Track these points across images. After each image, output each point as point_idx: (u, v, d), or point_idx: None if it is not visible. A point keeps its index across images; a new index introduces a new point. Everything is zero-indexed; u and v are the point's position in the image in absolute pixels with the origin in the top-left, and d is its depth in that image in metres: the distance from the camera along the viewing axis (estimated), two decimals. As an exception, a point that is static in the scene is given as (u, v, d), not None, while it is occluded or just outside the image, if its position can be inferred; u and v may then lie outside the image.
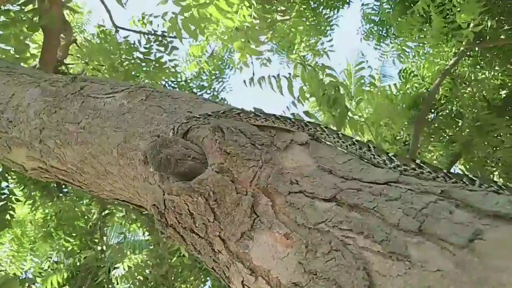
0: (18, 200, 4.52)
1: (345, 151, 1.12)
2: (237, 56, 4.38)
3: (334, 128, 1.16)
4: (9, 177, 4.58)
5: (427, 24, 4.81)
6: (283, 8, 4.14)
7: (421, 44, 5.60)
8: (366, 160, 1.07)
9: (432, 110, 5.68)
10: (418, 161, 1.02)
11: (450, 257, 0.75)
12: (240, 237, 1.00)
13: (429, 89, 5.59)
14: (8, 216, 4.21)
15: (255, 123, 1.13)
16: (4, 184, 4.51)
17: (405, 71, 5.58)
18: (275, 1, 4.12)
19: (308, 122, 1.17)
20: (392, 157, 1.04)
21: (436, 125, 5.57)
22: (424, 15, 4.76)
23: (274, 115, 1.14)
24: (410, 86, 5.70)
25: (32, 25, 3.73)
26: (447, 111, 5.22)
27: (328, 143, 1.15)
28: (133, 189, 1.33)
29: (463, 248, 0.74)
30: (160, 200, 1.14)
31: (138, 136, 1.28)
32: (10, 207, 4.25)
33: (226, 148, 1.05)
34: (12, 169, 4.63)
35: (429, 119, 5.76)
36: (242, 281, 1.02)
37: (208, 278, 5.72)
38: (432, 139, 5.61)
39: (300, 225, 0.93)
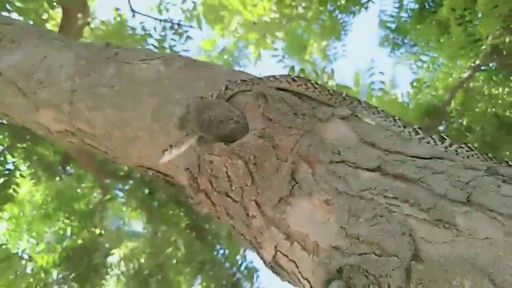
0: (22, 176, 4.52)
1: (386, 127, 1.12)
2: (252, 50, 4.40)
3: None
4: (16, 153, 4.57)
5: (445, 36, 4.84)
6: (303, 5, 4.17)
7: (436, 55, 5.62)
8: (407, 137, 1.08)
9: (442, 122, 5.70)
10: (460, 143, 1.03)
11: (499, 227, 0.75)
12: (278, 202, 1.01)
13: (441, 101, 5.61)
14: (12, 191, 4.20)
15: (298, 89, 1.13)
16: (10, 160, 4.51)
17: (418, 80, 5.61)
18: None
19: (348, 96, 1.17)
20: (434, 136, 1.05)
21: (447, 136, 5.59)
22: (443, 26, 4.79)
23: (320, 85, 1.14)
24: (422, 96, 5.72)
25: (50, 1, 3.74)
26: (457, 124, 5.23)
27: (369, 119, 1.15)
28: (164, 154, 1.33)
29: (513, 219, 0.75)
30: (194, 163, 1.14)
31: (175, 101, 1.28)
32: (14, 182, 4.25)
33: (269, 114, 1.05)
34: (20, 146, 4.62)
35: (439, 131, 5.79)
36: (276, 246, 1.02)
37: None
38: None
39: (342, 193, 0.94)
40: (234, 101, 1.16)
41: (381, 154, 0.97)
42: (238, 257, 5.63)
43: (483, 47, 4.33)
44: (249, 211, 1.06)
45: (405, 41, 6.17)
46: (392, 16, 6.03)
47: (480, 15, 4.38)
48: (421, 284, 0.76)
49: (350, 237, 0.87)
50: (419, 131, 1.08)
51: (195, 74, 1.33)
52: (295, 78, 1.15)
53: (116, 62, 1.49)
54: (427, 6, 5.60)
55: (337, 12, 6.31)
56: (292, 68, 4.50)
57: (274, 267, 1.07)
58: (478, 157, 1.00)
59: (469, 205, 0.80)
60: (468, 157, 1.00)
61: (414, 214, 0.83)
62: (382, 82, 5.49)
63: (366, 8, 6.24)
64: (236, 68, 7.01)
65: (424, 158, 0.94)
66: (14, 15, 3.25)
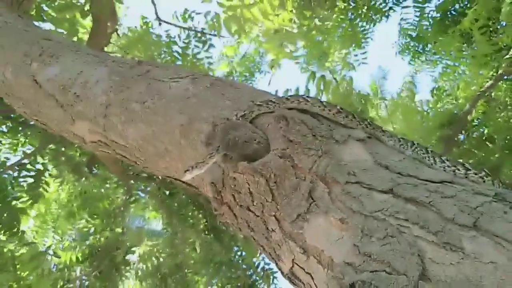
0: (51, 176, 4.73)
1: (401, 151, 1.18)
2: (272, 58, 4.47)
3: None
4: (45, 154, 4.79)
5: (466, 45, 4.81)
6: (321, 16, 4.22)
7: (457, 64, 5.57)
8: (419, 161, 1.14)
9: (463, 132, 5.65)
10: (466, 164, 1.08)
11: (504, 252, 0.81)
12: (296, 218, 1.08)
13: (462, 110, 5.55)
14: (41, 190, 4.41)
15: (321, 113, 1.21)
16: (40, 160, 4.73)
17: (438, 89, 5.57)
18: (316, 7, 4.20)
19: (368, 120, 1.24)
20: (445, 159, 1.10)
21: (466, 146, 5.54)
22: (466, 36, 4.76)
23: (336, 106, 1.21)
24: (442, 105, 5.68)
25: (83, 11, 3.92)
26: (479, 133, 5.18)
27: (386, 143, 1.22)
28: (190, 168, 1.43)
29: (516, 245, 0.81)
30: (219, 179, 1.23)
31: (202, 119, 1.37)
32: (44, 181, 4.46)
33: (289, 136, 1.13)
34: (48, 148, 4.83)
35: (459, 140, 5.73)
36: (293, 259, 1.10)
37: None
38: (461, 160, 5.56)
39: (356, 212, 1.01)
40: (257, 122, 1.25)
41: (394, 177, 1.03)
42: (254, 259, 5.70)
43: (507, 56, 4.30)
44: (269, 225, 1.14)
45: (426, 49, 6.14)
46: (412, 24, 6.01)
47: (504, 23, 4.35)
48: (428, 302, 0.82)
49: (363, 255, 0.94)
50: (436, 157, 1.13)
51: (221, 93, 1.42)
52: (312, 101, 1.23)
53: (147, 79, 1.60)
54: (449, 15, 5.56)
55: (358, 20, 6.33)
56: (313, 73, 4.54)
57: (291, 278, 1.15)
58: (488, 182, 1.05)
59: (476, 230, 0.86)
60: (477, 181, 1.05)
61: (423, 236, 0.90)
62: (411, 89, 5.47)
63: (387, 16, 6.25)
64: (257, 74, 7.11)
65: (435, 182, 1.00)
66: (48, 25, 3.42)
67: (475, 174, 1.06)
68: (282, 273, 1.18)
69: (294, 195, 1.10)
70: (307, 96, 1.26)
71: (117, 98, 1.60)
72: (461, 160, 1.11)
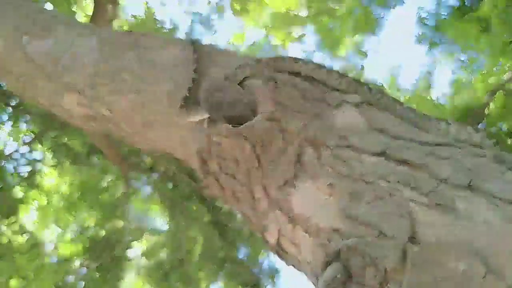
0: (50, 166, 4.71)
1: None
2: (278, 43, 4.38)
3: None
4: (44, 142, 4.77)
5: (485, 34, 4.66)
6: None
7: (475, 55, 5.43)
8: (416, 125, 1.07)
9: (480, 125, 5.51)
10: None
11: (498, 211, 0.75)
12: (283, 184, 1.02)
13: (480, 102, 5.41)
14: (39, 178, 4.39)
15: (316, 76, 1.14)
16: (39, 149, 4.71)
17: (456, 81, 5.42)
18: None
19: (368, 85, 1.16)
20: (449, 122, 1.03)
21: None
22: (484, 24, 4.63)
23: (334, 70, 1.15)
24: (459, 98, 5.53)
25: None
26: (497, 128, 5.03)
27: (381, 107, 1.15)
28: (178, 138, 1.37)
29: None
30: (204, 146, 1.18)
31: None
32: (41, 170, 4.44)
33: (278, 98, 1.07)
34: (49, 136, 4.81)
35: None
36: (279, 229, 1.04)
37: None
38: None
39: (345, 176, 0.95)
40: (245, 85, 1.19)
41: (388, 140, 0.97)
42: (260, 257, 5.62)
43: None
44: (255, 194, 1.08)
45: (444, 39, 5.98)
46: (430, 13, 5.85)
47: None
48: (416, 266, 0.76)
49: (349, 219, 0.87)
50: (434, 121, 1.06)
51: (211, 60, 1.37)
52: (304, 60, 1.17)
53: (137, 48, 1.55)
54: (467, 3, 5.40)
55: (372, 6, 6.15)
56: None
57: (278, 251, 1.09)
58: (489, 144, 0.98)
59: (470, 189, 0.80)
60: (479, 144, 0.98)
61: (414, 197, 0.83)
62: (427, 80, 5.35)
63: (402, 1, 6.05)
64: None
65: (431, 145, 0.93)
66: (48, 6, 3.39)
67: (476, 135, 0.99)
68: (269, 245, 1.12)
69: (281, 160, 1.04)
70: (303, 58, 1.19)
71: (105, 68, 1.55)
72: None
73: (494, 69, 4.81)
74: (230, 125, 1.08)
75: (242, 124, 1.08)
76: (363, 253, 0.82)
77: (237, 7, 3.59)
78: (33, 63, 1.78)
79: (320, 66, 1.16)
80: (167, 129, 1.40)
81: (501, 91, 4.75)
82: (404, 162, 0.90)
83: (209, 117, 1.12)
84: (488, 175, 0.81)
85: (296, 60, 1.17)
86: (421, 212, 0.81)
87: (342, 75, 1.16)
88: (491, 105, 4.86)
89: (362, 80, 1.22)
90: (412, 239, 0.79)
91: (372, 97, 1.12)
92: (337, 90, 1.15)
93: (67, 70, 1.66)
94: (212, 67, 1.34)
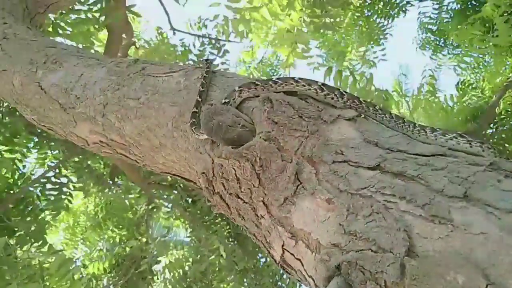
0: (75, 188, 4.85)
1: (394, 128, 1.12)
2: (285, 59, 4.44)
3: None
4: (69, 166, 4.93)
5: (489, 34, 4.63)
6: (331, 13, 4.15)
7: (481, 56, 5.36)
8: (410, 136, 1.07)
9: (491, 125, 5.40)
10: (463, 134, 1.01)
11: (495, 221, 0.74)
12: (283, 202, 1.04)
13: (489, 102, 5.32)
14: (66, 202, 4.53)
15: (311, 94, 1.16)
16: (64, 172, 4.86)
17: (463, 82, 5.37)
18: (326, 4, 4.14)
19: (360, 99, 1.18)
20: (439, 132, 1.04)
21: (495, 141, 5.29)
22: (487, 24, 4.58)
23: (326, 87, 1.16)
24: (468, 98, 5.46)
25: (98, 24, 4.04)
26: (508, 126, 4.93)
27: (376, 121, 1.16)
28: (184, 161, 1.41)
29: (510, 213, 0.74)
30: (209, 168, 1.21)
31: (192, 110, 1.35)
32: (68, 193, 4.57)
33: (274, 118, 1.10)
34: (72, 160, 4.97)
35: (488, 134, 5.48)
36: (283, 245, 1.05)
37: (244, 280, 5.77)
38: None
39: (343, 191, 0.96)
40: (243, 107, 1.22)
41: (382, 153, 0.98)
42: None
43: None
44: (258, 212, 1.10)
45: (447, 42, 5.95)
46: (432, 18, 5.85)
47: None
48: (415, 280, 0.76)
49: (348, 234, 0.88)
50: (428, 131, 1.07)
51: (212, 84, 1.41)
52: (298, 80, 1.19)
53: (142, 76, 1.61)
54: (469, 6, 5.37)
55: (375, 17, 6.22)
56: (330, 68, 4.47)
57: (284, 266, 1.10)
58: (487, 152, 0.97)
59: (466, 200, 0.80)
60: (477, 152, 0.98)
61: (410, 210, 0.84)
62: (431, 84, 5.31)
63: (404, 11, 6.11)
64: (279, 74, 7.11)
65: (426, 156, 0.93)
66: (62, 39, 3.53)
67: (474, 144, 0.99)
68: (275, 261, 1.13)
69: (281, 178, 1.06)
70: (298, 78, 1.22)
71: (114, 96, 1.62)
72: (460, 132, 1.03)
73: (502, 68, 4.72)
74: (231, 146, 1.11)
75: (242, 145, 1.11)
76: (363, 268, 0.83)
77: (241, 28, 3.65)
78: (47, 96, 1.86)
79: (314, 85, 1.18)
80: (173, 153, 1.44)
81: (510, 90, 4.65)
82: (399, 174, 0.91)
83: (211, 140, 1.15)
84: (484, 184, 0.81)
85: (291, 80, 1.20)
86: (418, 225, 0.82)
87: (337, 91, 1.18)
88: (501, 104, 4.76)
89: (356, 94, 1.23)
90: (410, 252, 0.79)
91: (367, 111, 1.13)
92: (334, 106, 1.17)
93: (79, 100, 1.73)
94: (212, 90, 1.38)
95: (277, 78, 1.23)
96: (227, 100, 1.22)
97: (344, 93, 1.18)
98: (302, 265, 1.01)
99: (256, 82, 1.24)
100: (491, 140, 5.37)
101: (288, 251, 1.04)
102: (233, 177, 1.12)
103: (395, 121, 1.14)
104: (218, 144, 1.17)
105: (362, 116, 1.15)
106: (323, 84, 1.18)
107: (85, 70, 1.82)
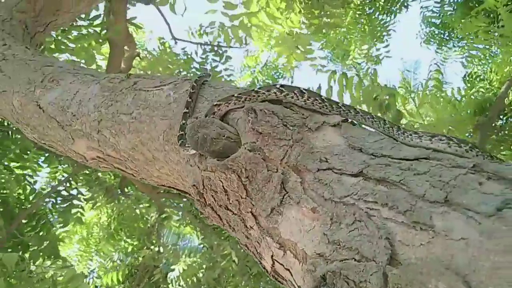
0: (86, 200, 4.92)
1: (380, 132, 1.11)
2: (285, 61, 4.45)
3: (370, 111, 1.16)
4: (79, 179, 5.00)
5: (494, 25, 4.57)
6: (328, 13, 4.15)
7: (487, 47, 5.29)
8: (399, 141, 1.06)
9: (501, 116, 5.31)
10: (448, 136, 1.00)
11: (475, 226, 0.73)
12: (270, 212, 1.04)
13: (497, 94, 5.24)
14: (79, 214, 4.59)
15: (295, 102, 1.16)
16: (74, 185, 4.93)
17: (470, 75, 5.29)
18: (328, 7, 4.13)
19: (343, 104, 1.18)
20: (420, 133, 1.02)
21: (506, 132, 5.20)
22: (491, 14, 4.53)
23: (313, 92, 1.16)
24: (475, 91, 5.39)
25: (99, 38, 4.10)
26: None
27: (363, 125, 1.15)
28: (177, 173, 1.42)
29: (490, 217, 0.72)
30: (199, 180, 1.21)
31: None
32: (79, 206, 4.64)
33: (259, 128, 1.10)
34: (82, 173, 5.04)
35: (498, 126, 5.39)
36: (272, 256, 1.05)
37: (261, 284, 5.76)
38: (502, 147, 5.23)
39: (327, 200, 0.95)
40: (229, 118, 1.22)
41: (366, 159, 0.97)
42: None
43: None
44: (247, 223, 1.10)
45: (452, 35, 5.88)
46: (435, 12, 5.79)
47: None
48: (397, 288, 0.75)
49: (332, 244, 0.88)
50: (411, 133, 1.06)
51: (200, 96, 1.41)
52: (282, 89, 1.19)
53: (134, 90, 1.62)
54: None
55: (377, 14, 6.18)
56: (334, 72, 4.46)
57: (275, 276, 1.10)
58: (471, 153, 0.96)
59: (447, 205, 0.78)
60: (463, 154, 0.97)
61: (392, 217, 0.83)
62: (437, 79, 5.25)
63: (406, 6, 6.06)
64: (280, 80, 7.11)
65: (409, 160, 0.92)
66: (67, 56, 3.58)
67: (460, 146, 0.97)
68: (266, 271, 1.13)
69: (267, 188, 1.05)
70: (281, 85, 1.22)
71: (108, 112, 1.63)
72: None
73: (510, 58, 4.64)
74: (216, 159, 1.11)
75: (228, 157, 1.11)
76: (346, 277, 0.82)
77: (240, 33, 3.67)
78: (45, 114, 1.89)
79: (297, 92, 1.17)
80: (166, 165, 1.45)
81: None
82: (382, 180, 0.90)
83: (199, 155, 1.16)
84: (466, 187, 0.79)
85: (273, 89, 1.20)
86: (400, 232, 0.80)
87: (321, 97, 1.17)
88: (510, 95, 4.67)
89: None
90: (393, 260, 0.78)
91: (353, 116, 1.12)
92: (319, 112, 1.16)
93: (75, 117, 1.76)
94: (200, 102, 1.38)
95: (259, 88, 1.23)
96: (208, 113, 1.22)
97: (304, 91, 1.17)
98: (292, 275, 1.00)
99: (242, 92, 1.24)
100: (501, 131, 5.27)
101: (278, 262, 1.04)
102: (221, 189, 1.12)
103: (375, 122, 1.13)
104: (206, 156, 1.18)
105: (349, 121, 1.15)
106: (282, 85, 1.18)
107: (80, 87, 1.85)
